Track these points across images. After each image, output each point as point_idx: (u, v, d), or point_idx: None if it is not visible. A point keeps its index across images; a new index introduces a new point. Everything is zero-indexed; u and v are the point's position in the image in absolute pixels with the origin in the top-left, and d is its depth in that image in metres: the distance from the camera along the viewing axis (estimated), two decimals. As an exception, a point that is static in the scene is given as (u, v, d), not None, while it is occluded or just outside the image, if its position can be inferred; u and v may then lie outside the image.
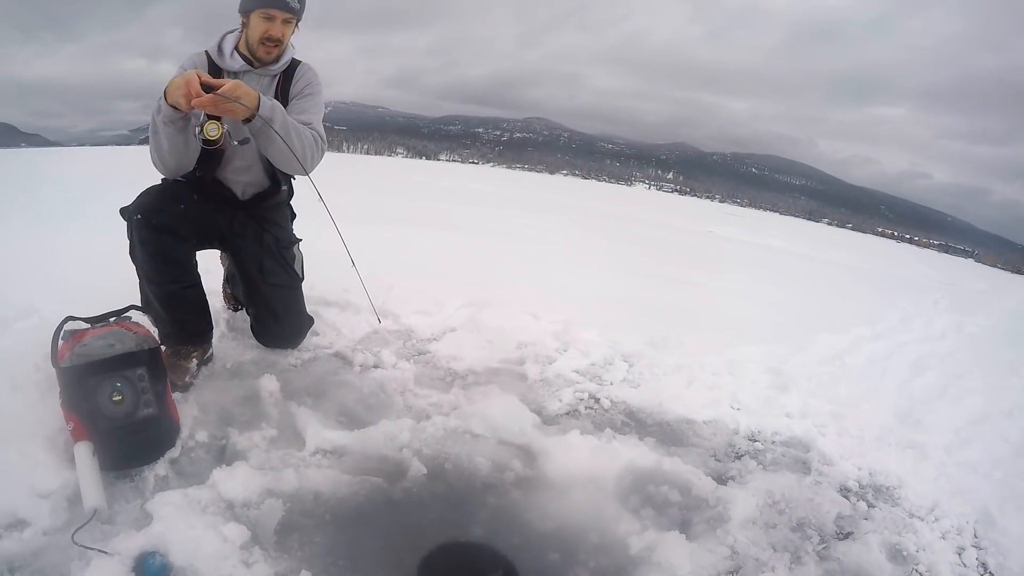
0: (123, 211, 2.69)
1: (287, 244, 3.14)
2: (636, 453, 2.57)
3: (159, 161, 2.64)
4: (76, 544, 1.71)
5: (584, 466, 2.44)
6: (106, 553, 1.68)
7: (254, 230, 3.01)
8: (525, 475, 2.40)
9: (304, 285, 3.74)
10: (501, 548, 2.03)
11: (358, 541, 1.95)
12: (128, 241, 2.66)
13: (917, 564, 2.24)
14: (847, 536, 2.34)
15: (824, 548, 2.24)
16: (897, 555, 2.27)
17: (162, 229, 2.62)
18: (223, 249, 3.14)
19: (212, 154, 2.72)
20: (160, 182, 2.79)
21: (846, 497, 2.58)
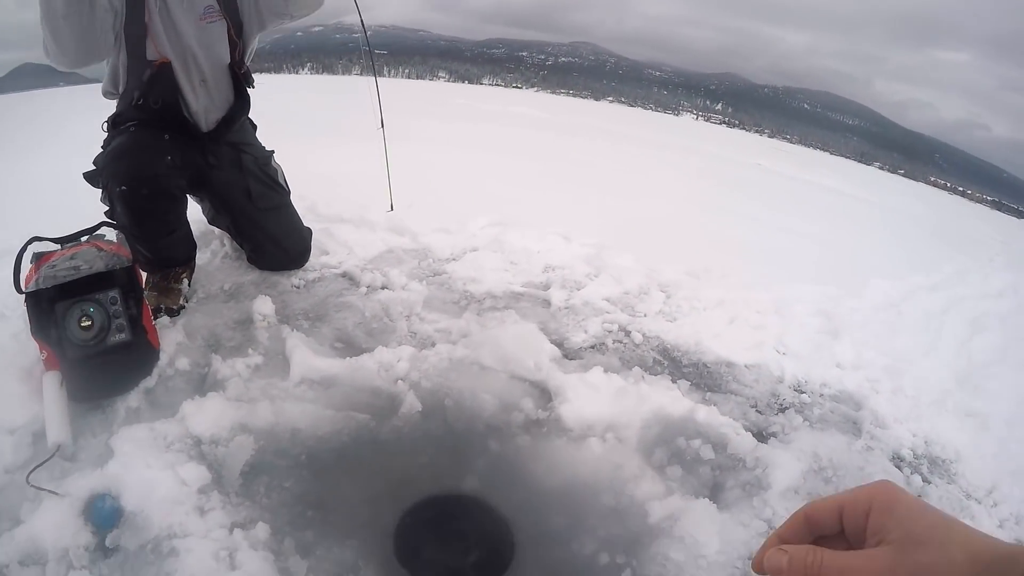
0: (91, 177, 2.43)
1: (265, 160, 2.86)
2: (667, 398, 2.26)
3: (52, 35, 2.18)
4: (31, 485, 1.61)
5: (605, 411, 2.14)
6: (57, 494, 1.58)
7: (230, 157, 2.73)
8: (536, 418, 2.13)
9: (319, 203, 3.61)
10: (496, 506, 1.79)
11: (333, 489, 1.74)
12: (106, 205, 2.41)
13: (972, 552, 1.93)
14: None
15: None
16: None
17: (155, 196, 2.36)
18: (200, 189, 2.78)
19: (162, 77, 2.43)
20: (126, 132, 2.45)
21: (899, 468, 2.25)
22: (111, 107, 2.59)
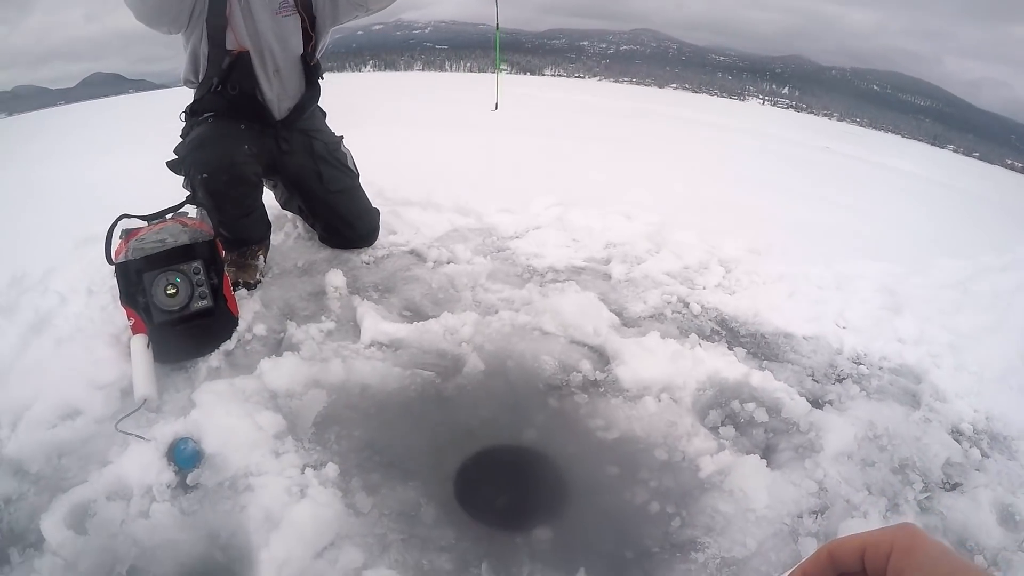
0: (174, 166, 2.57)
1: (335, 146, 2.99)
2: (722, 363, 2.28)
3: None
4: (119, 431, 1.77)
5: (660, 373, 2.17)
6: (144, 439, 1.73)
7: (301, 143, 2.87)
8: (593, 378, 2.18)
9: (386, 188, 3.74)
10: (553, 456, 1.84)
11: (399, 437, 1.83)
12: (188, 191, 2.55)
13: (1031, 534, 1.86)
14: (955, 487, 1.96)
15: (927, 498, 1.88)
16: (1009, 519, 1.87)
17: (234, 182, 2.50)
18: (274, 174, 2.93)
19: (240, 65, 2.59)
20: (205, 123, 2.62)
21: (958, 441, 2.17)
22: (175, 107, 2.78)
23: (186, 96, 2.77)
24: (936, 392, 2.44)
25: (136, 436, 1.73)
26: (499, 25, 4.35)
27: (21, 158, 6.23)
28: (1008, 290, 3.96)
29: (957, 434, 2.23)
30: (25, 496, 1.58)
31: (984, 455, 2.14)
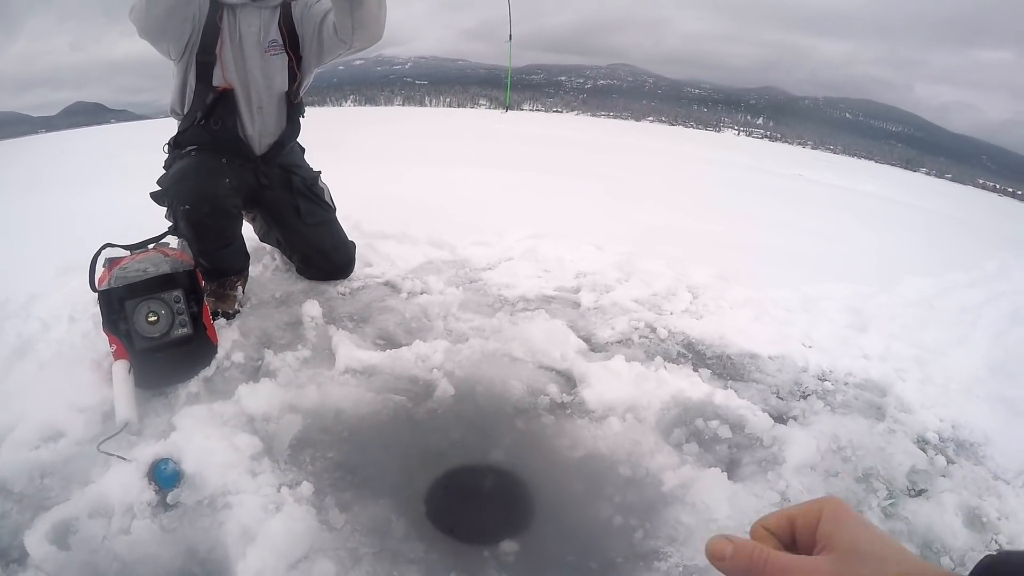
0: (158, 197, 2.63)
1: (312, 180, 3.08)
2: (687, 383, 2.35)
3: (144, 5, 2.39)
4: (101, 452, 1.81)
5: (625, 394, 2.24)
6: (125, 459, 1.77)
7: (280, 177, 2.95)
8: (560, 401, 2.25)
9: (363, 221, 3.82)
10: (520, 474, 1.90)
11: (372, 459, 1.89)
12: (170, 221, 2.61)
13: (997, 533, 1.89)
14: (919, 493, 2.01)
15: (891, 504, 1.93)
16: (975, 520, 1.92)
17: (214, 214, 2.57)
18: (254, 207, 3.02)
19: (224, 101, 2.67)
20: (188, 156, 2.69)
21: (923, 450, 2.22)
22: (158, 139, 2.85)
23: (167, 128, 2.85)
24: (901, 404, 2.51)
25: (118, 457, 1.77)
26: (510, 58, 4.45)
27: (3, 186, 6.30)
28: (975, 304, 4.05)
29: (922, 443, 2.29)
30: (8, 514, 1.62)
31: (950, 461, 2.19)
